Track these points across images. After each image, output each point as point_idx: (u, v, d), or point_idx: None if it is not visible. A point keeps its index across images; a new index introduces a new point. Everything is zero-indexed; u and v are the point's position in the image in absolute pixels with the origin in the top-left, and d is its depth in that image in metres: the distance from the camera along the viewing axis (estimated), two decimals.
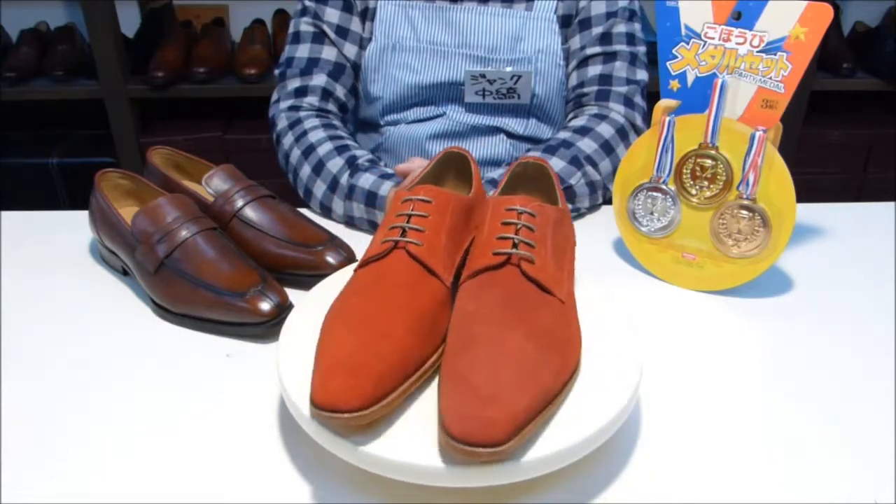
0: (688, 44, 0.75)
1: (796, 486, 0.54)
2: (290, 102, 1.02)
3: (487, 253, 0.55)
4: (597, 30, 1.00)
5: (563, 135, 0.95)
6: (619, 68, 1.00)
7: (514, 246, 0.55)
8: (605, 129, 0.95)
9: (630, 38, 1.01)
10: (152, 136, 1.92)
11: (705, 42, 0.75)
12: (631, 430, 0.58)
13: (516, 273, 0.54)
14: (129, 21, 2.04)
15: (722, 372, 0.66)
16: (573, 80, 1.03)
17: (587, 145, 0.93)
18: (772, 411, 0.61)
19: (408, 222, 0.57)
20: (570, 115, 1.02)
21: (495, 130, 1.04)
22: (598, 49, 1.00)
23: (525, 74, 0.99)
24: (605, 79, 1.00)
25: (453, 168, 0.69)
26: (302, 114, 1.00)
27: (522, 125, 1.04)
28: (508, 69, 0.99)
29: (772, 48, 0.72)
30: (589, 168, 0.92)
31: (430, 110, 1.04)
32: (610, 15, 1.00)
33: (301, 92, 1.01)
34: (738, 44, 0.73)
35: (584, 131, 0.95)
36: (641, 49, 1.02)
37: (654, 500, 0.53)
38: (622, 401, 0.52)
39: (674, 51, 0.76)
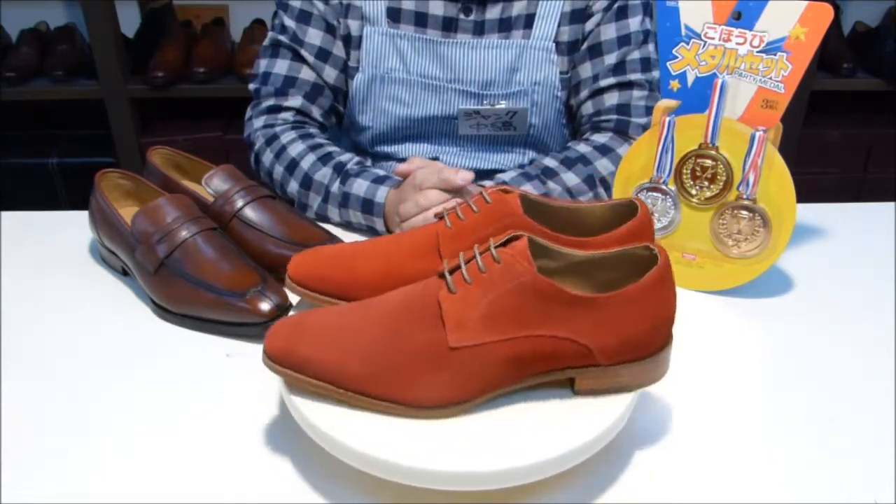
0: (688, 44, 0.75)
1: (796, 486, 0.54)
2: (263, 120, 0.98)
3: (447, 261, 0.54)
4: (609, 59, 0.96)
5: (583, 149, 0.93)
6: (638, 98, 0.96)
7: (455, 269, 0.52)
8: (626, 152, 0.93)
9: (645, 64, 0.96)
10: (152, 136, 1.92)
11: (705, 42, 0.75)
12: (631, 431, 0.58)
13: (437, 291, 0.51)
14: (129, 21, 2.04)
15: (722, 372, 0.66)
16: (588, 109, 0.98)
17: (604, 166, 0.91)
18: (772, 411, 0.61)
19: (459, 207, 0.60)
20: (590, 133, 0.98)
21: (491, 174, 0.99)
22: (612, 80, 0.96)
23: (521, 111, 0.96)
24: (622, 109, 0.96)
25: (626, 216, 0.59)
26: (278, 129, 0.96)
27: (520, 161, 1.01)
28: (503, 104, 0.96)
29: (772, 48, 0.72)
30: (601, 190, 0.91)
31: (424, 149, 1.01)
32: (622, 41, 0.95)
33: (275, 110, 0.98)
34: (738, 44, 0.73)
35: (604, 150, 0.93)
36: (657, 74, 0.97)
37: (654, 500, 0.52)
38: (623, 402, 0.52)
39: (674, 51, 0.76)
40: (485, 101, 0.97)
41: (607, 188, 0.91)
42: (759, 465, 0.55)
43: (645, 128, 0.95)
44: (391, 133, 1.01)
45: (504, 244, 0.51)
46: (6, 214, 0.92)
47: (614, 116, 0.96)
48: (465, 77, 0.97)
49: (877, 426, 0.59)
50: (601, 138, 0.95)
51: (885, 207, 0.96)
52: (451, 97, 0.97)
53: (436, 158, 1.00)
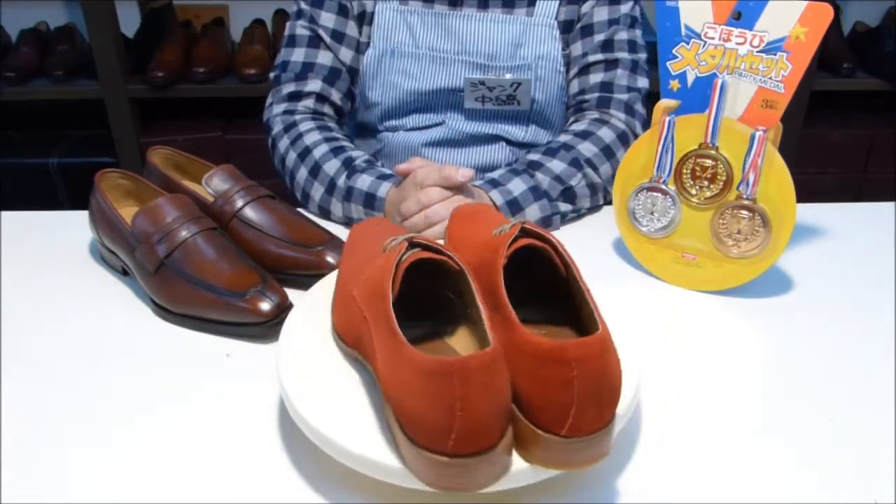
0: (688, 44, 0.75)
1: (796, 486, 0.54)
2: (284, 106, 1.01)
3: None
4: (599, 37, 1.00)
5: (564, 138, 0.95)
6: (621, 76, 0.99)
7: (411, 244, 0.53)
8: (606, 134, 0.95)
9: (632, 46, 1.01)
10: (152, 136, 1.92)
11: (705, 42, 0.75)
12: (631, 431, 0.58)
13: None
14: (129, 21, 2.04)
15: (722, 372, 0.66)
16: (574, 88, 1.02)
17: (587, 149, 0.93)
18: (772, 411, 0.61)
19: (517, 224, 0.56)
20: (571, 120, 1.01)
21: (495, 138, 1.03)
22: (599, 56, 1.00)
23: (525, 82, 0.99)
24: (606, 86, 0.99)
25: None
26: (297, 117, 0.99)
27: (522, 132, 1.03)
28: (508, 76, 0.99)
29: (772, 48, 0.71)
30: (589, 170, 0.92)
31: (429, 118, 1.03)
32: (612, 22, 1.00)
33: (296, 96, 1.01)
34: (738, 44, 0.73)
35: (584, 135, 0.94)
36: (642, 56, 1.02)
37: (654, 500, 0.52)
38: (622, 402, 0.52)
39: (674, 51, 0.76)
40: (490, 73, 1.00)
41: (595, 169, 0.92)
42: (759, 465, 0.55)
43: (626, 104, 0.99)
44: (399, 107, 1.03)
45: (426, 248, 0.51)
46: (6, 214, 0.92)
47: (597, 94, 1.00)
48: (471, 48, 1.00)
49: (876, 426, 0.59)
50: (580, 125, 0.97)
51: (885, 207, 0.96)
52: (458, 69, 1.00)
53: (442, 123, 1.03)
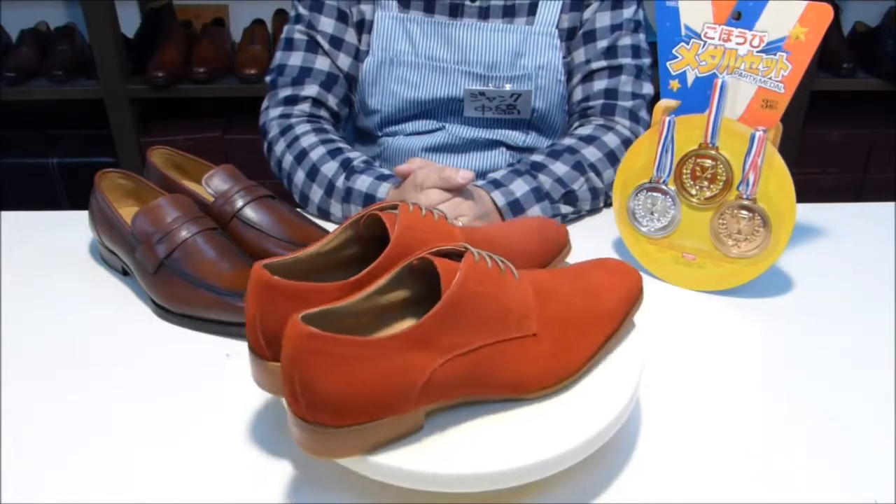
0: (688, 44, 0.75)
1: (796, 486, 0.54)
2: (280, 110, 1.00)
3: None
4: (602, 43, 0.99)
5: (569, 141, 0.94)
6: (625, 82, 0.99)
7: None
8: (611, 140, 0.94)
9: (635, 51, 1.00)
10: (152, 136, 1.92)
11: (705, 42, 0.75)
12: (631, 430, 0.58)
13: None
14: (129, 21, 2.04)
15: (722, 372, 0.66)
16: (578, 95, 1.01)
17: (592, 153, 0.93)
18: (771, 411, 0.61)
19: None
20: (576, 125, 1.00)
21: (495, 143, 1.03)
22: (603, 63, 0.99)
23: (525, 93, 0.98)
24: (610, 93, 0.99)
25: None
26: (293, 120, 0.99)
27: (523, 137, 1.03)
28: (508, 87, 0.98)
29: (772, 48, 0.71)
30: (592, 175, 0.91)
31: (430, 123, 1.03)
32: (615, 27, 0.99)
33: (292, 100, 1.00)
34: (738, 44, 0.73)
35: (589, 140, 0.94)
36: (646, 61, 1.01)
37: (654, 500, 0.53)
38: (622, 401, 0.52)
39: (674, 51, 0.76)
40: (490, 84, 1.00)
41: (598, 174, 0.92)
42: (759, 465, 0.55)
43: (631, 111, 0.98)
44: (399, 115, 1.03)
45: (375, 218, 0.57)
46: (6, 214, 0.92)
47: (601, 101, 0.99)
48: (472, 58, 0.99)
49: (877, 426, 0.59)
50: (585, 130, 0.96)
51: (885, 207, 0.96)
52: (458, 79, 1.00)
53: (442, 128, 1.03)
